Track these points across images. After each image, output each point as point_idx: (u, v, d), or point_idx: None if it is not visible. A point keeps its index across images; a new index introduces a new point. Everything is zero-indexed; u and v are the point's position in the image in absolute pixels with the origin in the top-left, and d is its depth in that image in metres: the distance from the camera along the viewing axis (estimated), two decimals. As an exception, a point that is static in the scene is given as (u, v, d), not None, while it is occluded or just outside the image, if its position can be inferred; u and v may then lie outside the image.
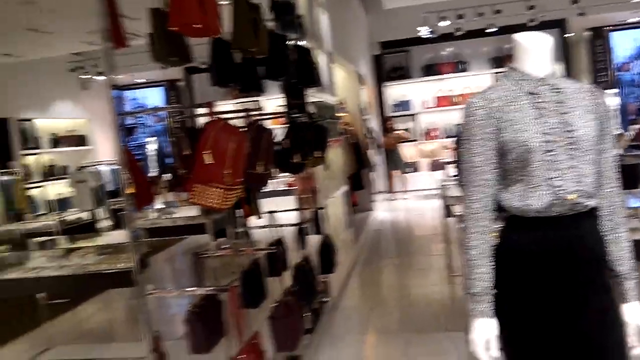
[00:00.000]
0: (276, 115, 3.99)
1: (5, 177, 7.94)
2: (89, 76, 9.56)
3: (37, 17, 6.22)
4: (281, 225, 3.98)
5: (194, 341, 2.80)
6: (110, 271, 3.82)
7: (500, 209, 1.72)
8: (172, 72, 9.88)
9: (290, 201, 4.53)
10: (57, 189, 9.03)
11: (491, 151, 1.69)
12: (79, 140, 10.02)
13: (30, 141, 8.84)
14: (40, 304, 4.75)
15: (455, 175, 5.18)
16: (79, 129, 10.11)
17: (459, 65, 10.99)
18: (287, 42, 3.76)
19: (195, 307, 2.83)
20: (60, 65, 9.21)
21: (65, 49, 8.33)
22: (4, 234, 6.73)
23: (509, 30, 9.04)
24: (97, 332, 4.86)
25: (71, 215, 7.61)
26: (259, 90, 3.64)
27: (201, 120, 3.39)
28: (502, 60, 10.46)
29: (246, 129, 3.11)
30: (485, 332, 1.67)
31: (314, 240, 4.26)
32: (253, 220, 3.71)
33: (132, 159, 2.78)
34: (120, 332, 4.83)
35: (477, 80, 10.61)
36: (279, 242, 3.80)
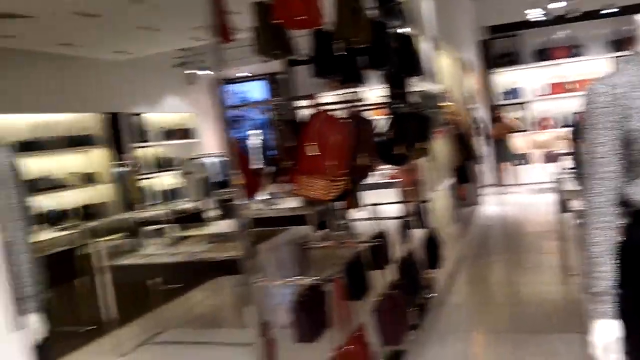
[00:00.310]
0: (378, 106, 3.94)
1: (119, 169, 8.50)
2: (194, 71, 9.97)
3: (146, 15, 6.56)
4: (383, 218, 3.93)
5: (299, 330, 2.83)
6: (218, 259, 3.97)
7: (625, 204, 1.59)
8: (273, 65, 10.10)
9: (392, 194, 4.46)
10: (166, 180, 9.54)
11: (615, 141, 1.57)
12: (186, 133, 10.50)
13: (141, 135, 9.37)
14: (153, 289, 5.03)
15: (572, 168, 4.86)
16: (186, 122, 10.60)
17: (573, 50, 10.31)
18: (388, 31, 3.69)
19: (301, 297, 2.86)
20: (167, 61, 9.68)
21: (172, 45, 8.72)
22: (119, 222, 7.20)
23: (628, 10, 8.40)
24: (206, 317, 5.07)
25: (180, 205, 8.02)
26: (360, 81, 3.61)
27: (303, 112, 3.42)
28: (621, 43, 9.68)
29: (348, 120, 3.09)
30: (606, 334, 1.57)
31: (418, 234, 4.18)
32: (354, 213, 3.69)
33: (239, 151, 2.84)
34: (228, 319, 5.01)
35: (593, 65, 9.91)
36: (381, 235, 3.76)
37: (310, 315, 2.86)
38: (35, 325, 2.00)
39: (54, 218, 7.35)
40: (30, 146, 7.17)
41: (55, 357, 3.61)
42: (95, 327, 4.77)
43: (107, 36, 7.42)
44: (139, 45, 8.16)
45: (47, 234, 6.56)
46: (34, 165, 7.23)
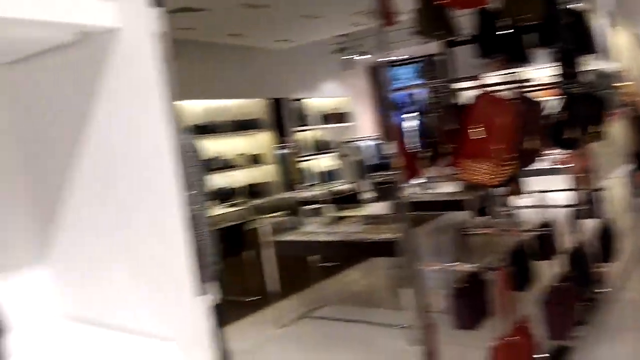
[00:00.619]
0: (548, 86, 3.70)
1: (281, 151, 8.95)
2: (351, 56, 10.11)
3: (309, 3, 6.77)
4: (551, 207, 3.70)
5: (458, 317, 2.80)
6: (373, 240, 4.04)
7: None
8: (430, 48, 9.91)
9: (561, 180, 4.18)
10: (324, 162, 9.85)
11: None
12: (342, 117, 10.72)
13: (301, 119, 9.74)
14: (312, 266, 5.26)
15: None
16: (342, 106, 10.82)
17: None
18: (559, 6, 3.45)
19: (461, 284, 2.81)
20: (326, 48, 9.92)
21: (332, 32, 8.92)
22: (281, 201, 7.59)
23: None
24: (362, 296, 5.18)
25: (337, 186, 8.25)
26: (526, 60, 3.42)
27: (464, 95, 3.33)
28: None
29: (514, 101, 2.95)
30: None
31: (589, 224, 3.88)
32: (517, 200, 3.52)
33: (398, 134, 2.85)
34: (383, 299, 5.07)
35: None
36: (548, 224, 3.55)
37: (471, 303, 2.80)
38: (212, 292, 2.20)
39: (223, 195, 7.95)
40: (204, 129, 7.81)
41: (225, 323, 3.93)
42: (259, 297, 5.10)
43: (272, 26, 7.79)
44: (300, 33, 8.47)
45: (218, 210, 7.12)
46: (208, 146, 7.87)
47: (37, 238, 1.10)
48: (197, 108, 7.97)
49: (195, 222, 2.18)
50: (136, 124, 0.91)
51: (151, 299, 0.95)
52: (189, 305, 0.94)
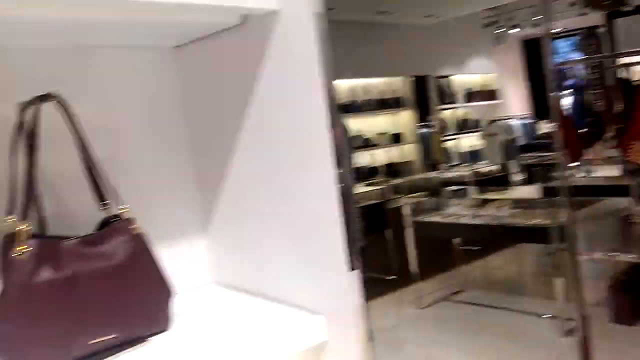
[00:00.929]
0: None
1: (424, 130, 8.80)
2: (503, 30, 9.59)
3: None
4: None
5: (617, 311, 2.58)
6: (522, 225, 3.84)
7: None
8: (589, 19, 9.09)
9: None
10: (469, 141, 9.53)
11: None
12: (490, 94, 10.26)
13: (447, 96, 9.48)
14: (454, 248, 5.14)
15: None
16: (490, 83, 10.35)
17: None
18: None
19: (622, 275, 2.58)
20: (474, 22, 9.51)
21: (481, 5, 8.53)
22: (421, 181, 7.49)
23: None
24: (506, 283, 4.98)
25: (482, 167, 7.94)
26: None
27: (633, 70, 3.02)
28: None
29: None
30: None
31: None
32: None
33: (558, 112, 2.66)
34: (529, 287, 4.83)
35: None
36: None
37: (632, 296, 2.57)
38: (358, 268, 2.23)
39: (364, 173, 8.02)
40: (347, 108, 7.91)
41: (367, 300, 3.99)
42: (397, 277, 5.10)
43: (420, 1, 7.62)
44: (449, 7, 8.20)
45: (359, 188, 7.20)
46: (350, 125, 7.96)
47: (200, 213, 1.18)
48: (342, 87, 8.09)
49: (345, 199, 2.22)
50: (297, 104, 0.93)
51: (304, 273, 0.98)
52: (340, 281, 0.95)
